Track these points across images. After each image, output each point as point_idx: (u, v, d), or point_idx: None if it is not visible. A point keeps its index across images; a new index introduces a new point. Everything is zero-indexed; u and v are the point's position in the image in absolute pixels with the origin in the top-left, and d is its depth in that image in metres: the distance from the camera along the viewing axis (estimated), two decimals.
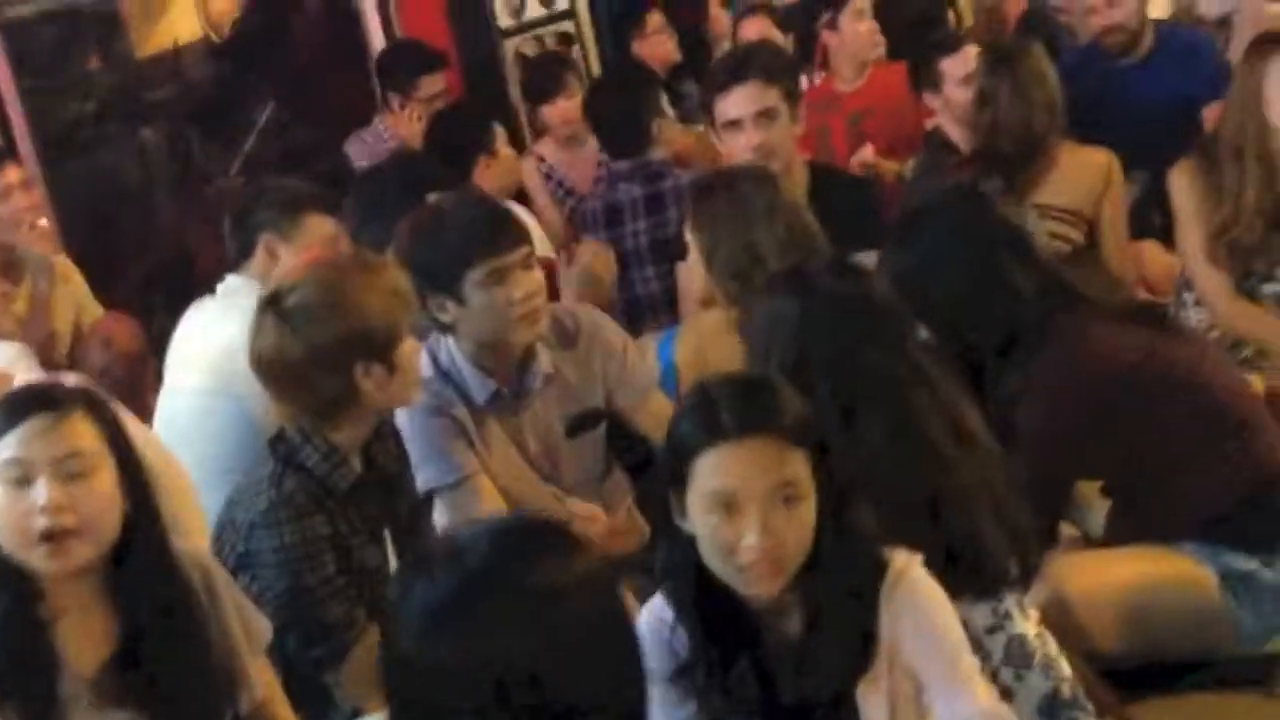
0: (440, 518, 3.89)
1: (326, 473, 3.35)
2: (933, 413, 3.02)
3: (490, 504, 3.83)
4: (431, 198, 4.35)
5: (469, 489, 3.83)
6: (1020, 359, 3.46)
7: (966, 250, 3.52)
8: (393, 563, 3.47)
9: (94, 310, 5.61)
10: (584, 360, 4.03)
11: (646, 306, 5.49)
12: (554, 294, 5.32)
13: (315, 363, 3.31)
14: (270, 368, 3.35)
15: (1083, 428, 3.40)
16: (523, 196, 6.17)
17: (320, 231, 4.51)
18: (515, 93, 7.42)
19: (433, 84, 6.68)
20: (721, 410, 2.57)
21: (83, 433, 2.84)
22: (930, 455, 2.98)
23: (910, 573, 2.67)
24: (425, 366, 3.86)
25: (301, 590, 3.27)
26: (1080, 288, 3.57)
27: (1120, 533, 3.51)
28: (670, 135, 5.87)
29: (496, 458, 3.91)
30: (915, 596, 2.65)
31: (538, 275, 3.83)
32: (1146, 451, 3.43)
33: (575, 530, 2.16)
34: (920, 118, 5.99)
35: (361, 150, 6.60)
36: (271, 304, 3.34)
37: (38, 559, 2.81)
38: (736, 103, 4.70)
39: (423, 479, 3.83)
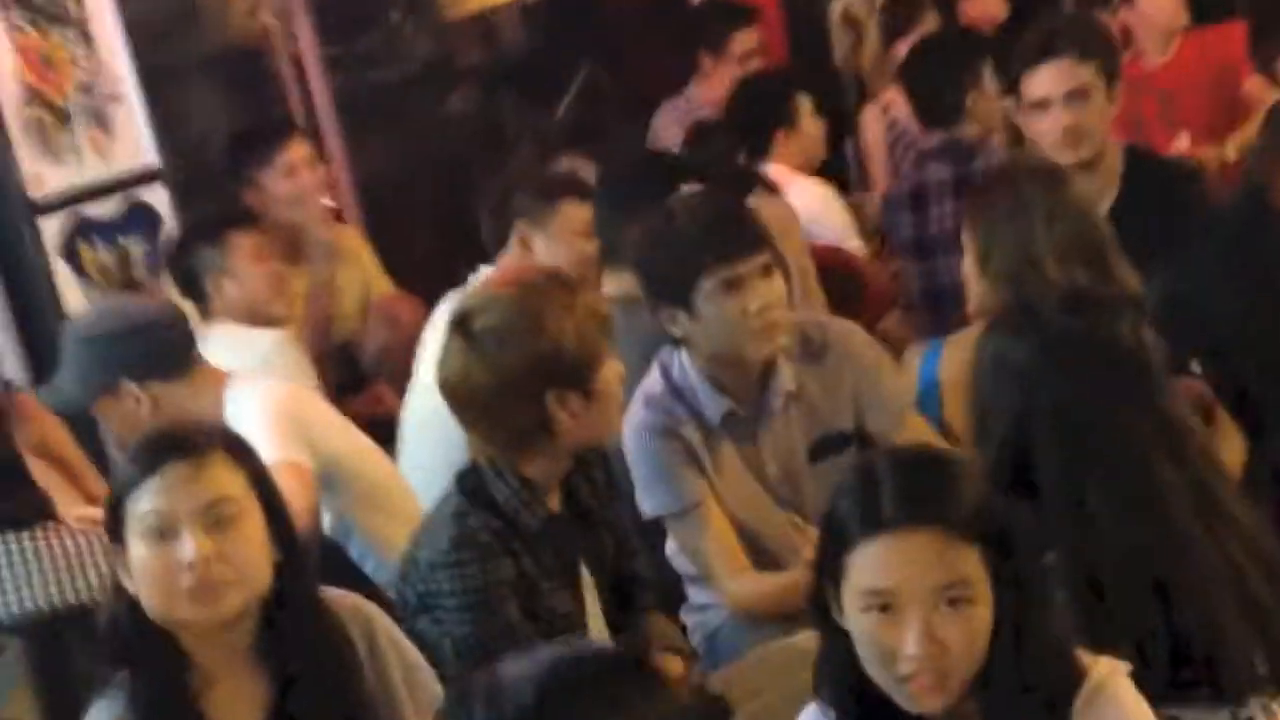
0: (669, 545, 3.65)
1: (516, 510, 3.11)
2: (1178, 481, 2.60)
3: (719, 535, 3.54)
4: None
5: (696, 518, 3.55)
6: None
7: (1250, 269, 3.06)
8: (591, 605, 3.22)
9: (383, 288, 5.49)
10: (832, 377, 3.68)
11: (951, 297, 5.08)
12: (864, 295, 4.98)
13: (505, 391, 3.06)
14: (457, 395, 3.12)
15: None
16: (826, 173, 5.79)
17: (576, 221, 4.30)
18: (840, 54, 7.03)
19: (745, 40, 6.33)
20: (883, 495, 2.21)
21: (225, 477, 2.63)
22: (1167, 533, 2.57)
23: (1111, 687, 2.26)
24: (656, 382, 3.61)
25: (482, 638, 3.03)
26: None
27: None
28: (986, 110, 5.39)
29: (729, 483, 3.60)
30: (1117, 714, 2.26)
31: (777, 284, 3.50)
32: None
33: (657, 667, 1.85)
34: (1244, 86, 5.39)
35: (670, 120, 6.32)
36: (459, 326, 3.10)
37: (186, 611, 2.62)
38: (1045, 81, 4.23)
39: (648, 505, 3.59)
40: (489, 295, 3.16)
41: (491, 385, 3.05)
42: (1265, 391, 3.03)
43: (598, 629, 3.24)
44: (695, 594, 3.70)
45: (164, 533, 2.59)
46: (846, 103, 6.83)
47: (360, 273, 5.45)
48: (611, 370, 3.14)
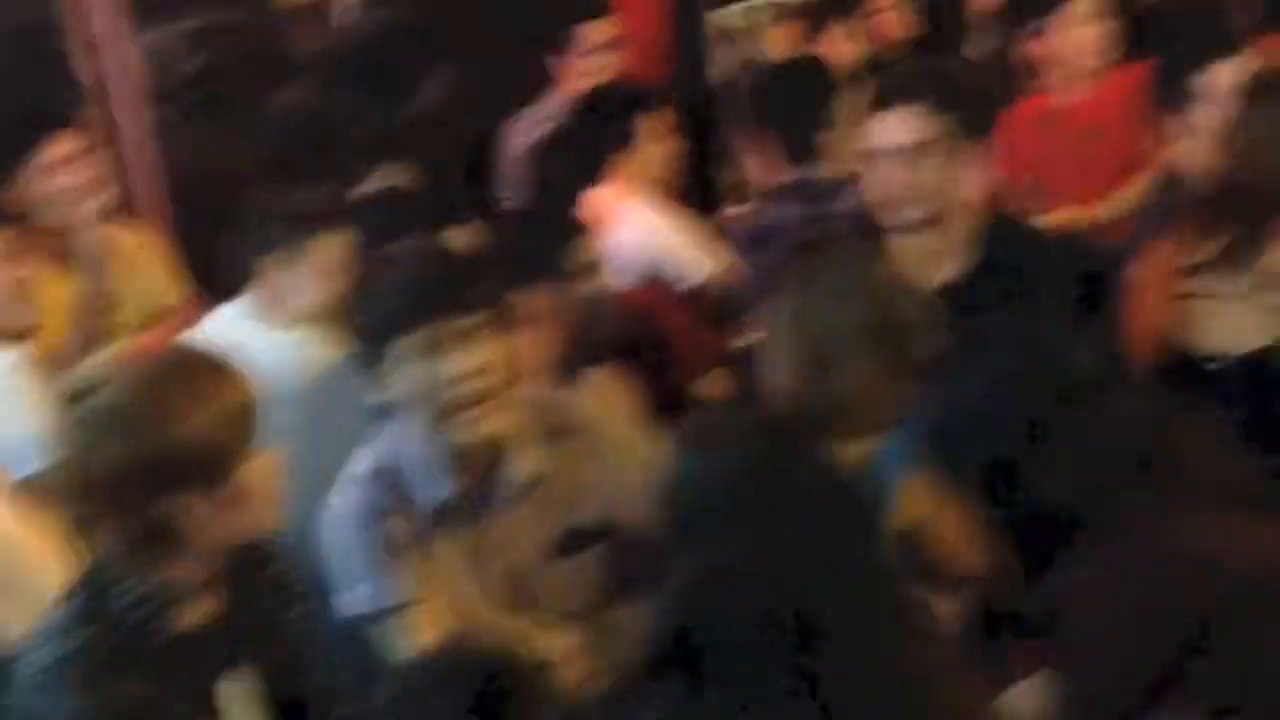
0: (369, 650, 3.13)
1: (143, 620, 2.59)
2: (877, 656, 2.11)
3: (430, 636, 3.03)
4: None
5: (402, 618, 3.05)
6: (1079, 542, 2.51)
7: (1014, 396, 2.59)
8: None
9: (176, 296, 4.96)
10: (580, 460, 3.18)
11: None
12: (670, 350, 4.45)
13: (125, 482, 2.54)
14: (73, 484, 2.60)
15: (1156, 645, 2.45)
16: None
17: (328, 256, 3.82)
18: (716, 72, 6.50)
19: (593, 33, 5.76)
20: None
21: None
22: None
23: None
24: (366, 459, 3.12)
25: None
26: (1186, 452, 2.59)
27: None
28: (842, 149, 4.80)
29: (446, 579, 3.10)
30: None
31: (495, 350, 3.00)
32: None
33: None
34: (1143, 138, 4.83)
35: (519, 131, 5.77)
36: (75, 401, 2.58)
37: None
38: (885, 130, 3.74)
39: (349, 602, 3.10)
40: (114, 371, 2.63)
41: (110, 475, 2.54)
42: (1035, 535, 2.55)
43: None
44: None
45: None
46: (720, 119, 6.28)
47: (148, 279, 4.92)
48: (258, 463, 2.62)
